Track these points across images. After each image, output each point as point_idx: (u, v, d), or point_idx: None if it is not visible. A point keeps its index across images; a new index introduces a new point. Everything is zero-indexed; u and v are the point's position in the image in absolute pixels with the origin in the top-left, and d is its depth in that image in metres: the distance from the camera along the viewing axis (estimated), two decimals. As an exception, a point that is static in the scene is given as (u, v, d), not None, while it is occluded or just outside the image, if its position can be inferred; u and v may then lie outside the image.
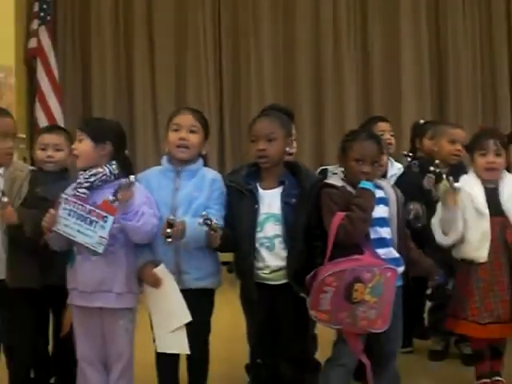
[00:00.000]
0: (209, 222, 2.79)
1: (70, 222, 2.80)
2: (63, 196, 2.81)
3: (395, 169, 4.29)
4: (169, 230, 2.77)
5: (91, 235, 2.80)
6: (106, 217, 2.77)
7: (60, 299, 3.05)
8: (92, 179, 2.92)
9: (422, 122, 4.74)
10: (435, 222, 3.40)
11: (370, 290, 2.79)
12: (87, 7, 7.44)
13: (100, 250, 2.81)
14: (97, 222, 2.78)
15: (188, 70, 7.46)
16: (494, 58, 7.73)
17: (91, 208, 2.80)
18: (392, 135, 4.35)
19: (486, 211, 3.31)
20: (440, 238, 3.35)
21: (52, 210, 2.82)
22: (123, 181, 2.82)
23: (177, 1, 7.49)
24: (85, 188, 2.90)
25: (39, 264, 2.99)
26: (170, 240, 2.79)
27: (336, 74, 7.48)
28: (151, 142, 7.34)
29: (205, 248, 2.99)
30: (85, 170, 2.96)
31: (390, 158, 4.31)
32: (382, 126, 4.30)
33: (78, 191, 2.90)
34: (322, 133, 7.43)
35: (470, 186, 3.35)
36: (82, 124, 3.09)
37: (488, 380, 3.45)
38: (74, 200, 2.82)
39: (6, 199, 2.94)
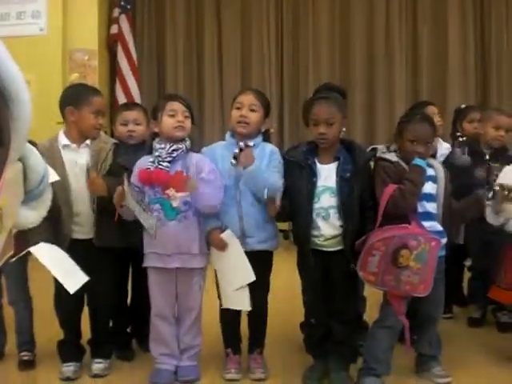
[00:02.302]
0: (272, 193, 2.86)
1: (132, 202, 2.85)
2: (125, 177, 2.84)
3: (443, 149, 4.23)
4: (236, 151, 2.88)
5: (145, 219, 2.89)
6: (151, 212, 2.89)
7: (139, 259, 3.11)
8: (174, 154, 2.98)
9: (463, 106, 4.66)
10: (488, 204, 3.30)
11: (414, 257, 2.80)
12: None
13: (151, 233, 2.91)
14: (147, 212, 2.87)
15: (252, 52, 7.45)
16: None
17: (140, 198, 2.89)
18: (440, 117, 4.27)
19: None
20: (491, 219, 3.27)
21: (120, 188, 2.86)
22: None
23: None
24: (167, 162, 2.96)
25: (123, 227, 3.04)
26: (234, 162, 2.90)
27: (387, 61, 7.36)
28: (218, 119, 7.37)
29: (265, 215, 3.03)
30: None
31: (439, 139, 4.26)
32: (432, 109, 4.21)
33: (161, 164, 2.96)
34: (373, 114, 7.34)
35: None
36: (187, 102, 3.11)
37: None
38: (132, 186, 2.90)
39: (94, 174, 3.00)
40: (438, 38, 7.38)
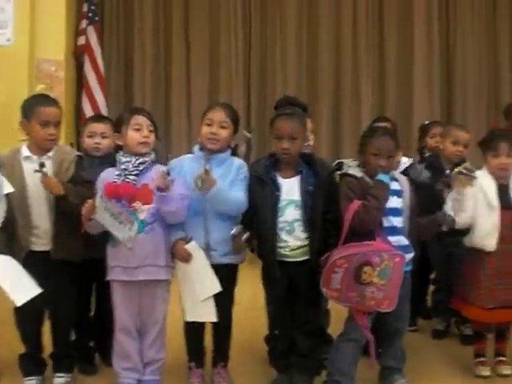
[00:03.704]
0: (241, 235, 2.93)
1: (105, 215, 2.82)
2: (99, 192, 2.82)
3: (401, 162, 4.27)
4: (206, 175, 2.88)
5: (122, 232, 2.86)
6: (132, 221, 2.85)
7: (102, 272, 3.06)
8: (141, 168, 2.96)
9: (426, 122, 4.73)
10: (448, 206, 3.33)
11: (378, 273, 2.82)
12: (131, 10, 7.42)
13: (129, 245, 2.89)
14: (125, 224, 2.83)
15: (220, 66, 7.43)
16: (498, 64, 7.62)
17: (120, 210, 2.84)
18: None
19: (496, 204, 3.27)
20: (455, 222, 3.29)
21: (90, 201, 2.83)
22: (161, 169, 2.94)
23: (211, 2, 7.46)
24: (134, 175, 2.94)
25: (84, 240, 2.99)
26: (197, 187, 2.90)
27: (354, 75, 7.41)
28: (185, 131, 7.33)
29: (231, 227, 3.02)
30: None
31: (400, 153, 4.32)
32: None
33: (128, 178, 2.93)
34: (340, 130, 7.35)
35: (483, 181, 3.31)
36: (151, 116, 3.10)
37: (484, 359, 3.44)
38: (107, 199, 2.83)
39: (45, 169, 2.92)
40: (403, 52, 7.46)
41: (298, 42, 7.44)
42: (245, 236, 2.92)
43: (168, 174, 2.88)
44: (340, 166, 3.16)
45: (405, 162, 4.26)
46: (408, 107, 7.34)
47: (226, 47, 7.40)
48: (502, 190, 3.32)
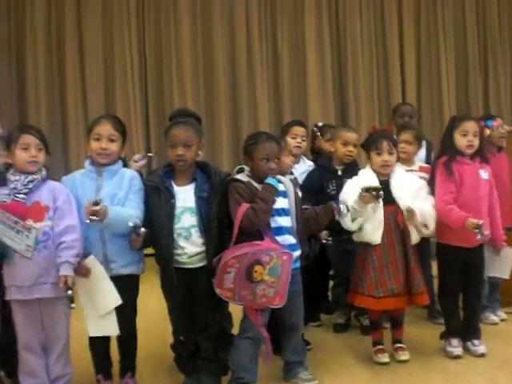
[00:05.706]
0: (138, 229, 2.96)
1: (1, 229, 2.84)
2: None
3: (306, 166, 4.46)
4: (96, 208, 2.87)
5: (19, 242, 2.86)
6: (30, 229, 2.85)
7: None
8: (30, 186, 2.97)
9: (320, 124, 4.87)
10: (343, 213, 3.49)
11: (268, 271, 2.99)
12: (23, 23, 7.28)
13: (28, 255, 2.88)
14: (23, 232, 2.84)
15: (116, 79, 7.44)
16: (387, 69, 8.09)
17: (16, 219, 2.85)
18: (304, 140, 4.45)
19: (380, 202, 3.48)
20: (349, 225, 3.50)
21: None
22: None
23: (104, 17, 7.46)
24: (24, 194, 2.95)
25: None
26: (94, 218, 2.87)
27: (250, 84, 7.64)
28: (83, 146, 7.27)
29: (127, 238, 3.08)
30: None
31: (303, 157, 4.52)
32: (295, 131, 4.43)
33: (17, 196, 2.94)
34: (239, 138, 7.43)
35: (367, 180, 3.53)
36: (40, 134, 3.09)
37: (382, 346, 3.67)
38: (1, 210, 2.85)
39: None
40: (297, 61, 7.78)
41: (194, 52, 7.57)
42: (142, 230, 2.97)
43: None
44: (242, 171, 3.31)
45: (310, 164, 4.47)
46: (303, 112, 7.61)
47: (121, 57, 7.41)
48: (384, 186, 3.52)
